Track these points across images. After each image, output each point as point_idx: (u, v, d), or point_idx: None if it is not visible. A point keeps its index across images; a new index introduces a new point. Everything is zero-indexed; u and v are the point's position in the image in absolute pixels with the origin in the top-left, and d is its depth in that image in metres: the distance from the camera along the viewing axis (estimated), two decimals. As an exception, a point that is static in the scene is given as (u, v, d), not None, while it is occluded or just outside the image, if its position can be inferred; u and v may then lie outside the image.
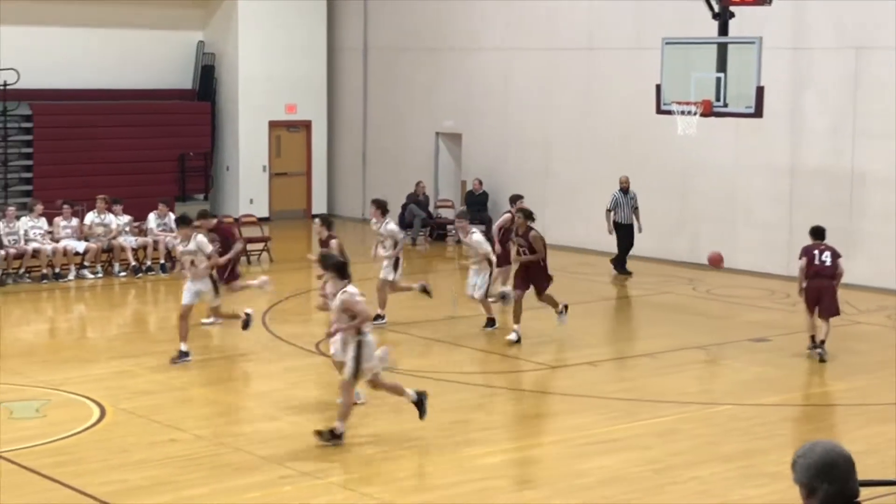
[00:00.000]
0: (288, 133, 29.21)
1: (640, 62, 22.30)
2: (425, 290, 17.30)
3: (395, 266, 16.98)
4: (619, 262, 22.05)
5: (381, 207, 17.15)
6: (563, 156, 24.93)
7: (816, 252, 15.61)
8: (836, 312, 15.63)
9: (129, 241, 21.49)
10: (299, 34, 28.70)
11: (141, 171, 26.63)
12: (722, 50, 16.08)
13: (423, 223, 25.96)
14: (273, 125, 28.79)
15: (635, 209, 21.99)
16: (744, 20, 16.58)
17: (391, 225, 17.11)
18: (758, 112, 15.84)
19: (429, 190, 26.89)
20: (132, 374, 14.25)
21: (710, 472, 10.99)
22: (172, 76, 28.35)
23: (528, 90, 25.49)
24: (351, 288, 11.56)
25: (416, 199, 26.25)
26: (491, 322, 16.96)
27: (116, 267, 21.41)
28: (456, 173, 27.57)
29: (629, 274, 21.85)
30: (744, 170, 22.20)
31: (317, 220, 16.76)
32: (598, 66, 24.25)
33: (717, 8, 16.29)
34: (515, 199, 19.66)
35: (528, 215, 16.60)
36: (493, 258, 16.92)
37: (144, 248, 21.57)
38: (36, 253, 20.49)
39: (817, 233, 15.89)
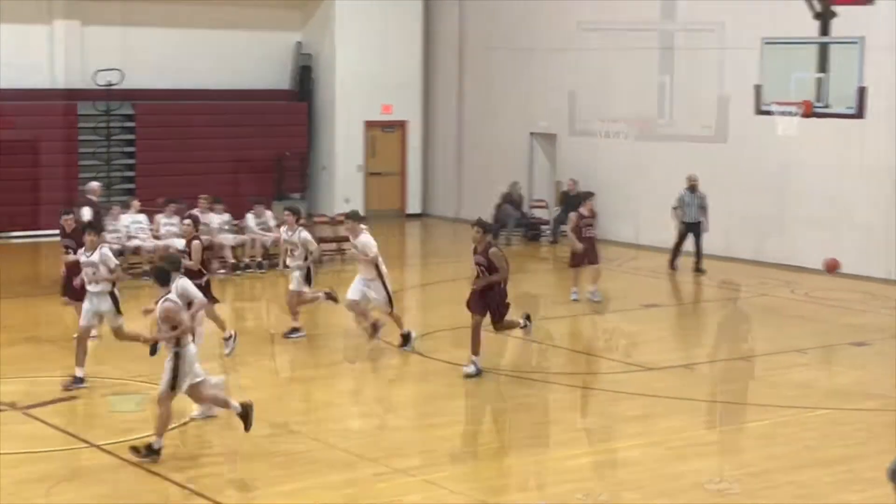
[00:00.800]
0: (383, 133, 29.38)
1: (737, 62, 22.04)
2: (331, 297, 16.32)
3: (307, 278, 16.10)
4: (674, 258, 21.82)
5: (297, 214, 16.38)
6: (658, 156, 24.71)
7: None
8: None
9: (227, 239, 21.82)
10: (396, 35, 28.85)
11: (239, 170, 26.99)
12: (823, 50, 15.86)
13: (517, 223, 25.94)
14: (369, 125, 28.99)
15: (703, 208, 21.72)
16: (846, 20, 16.31)
17: (304, 233, 16.19)
18: (860, 113, 15.60)
19: (523, 190, 26.87)
20: (230, 370, 14.44)
21: (807, 476, 10.84)
22: (271, 77, 28.69)
23: (624, 90, 25.32)
24: (173, 296, 11.18)
25: (511, 199, 26.25)
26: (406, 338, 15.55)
27: (215, 264, 21.73)
28: (550, 174, 27.51)
29: (683, 269, 21.67)
30: (845, 171, 21.79)
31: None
32: (695, 65, 24.00)
33: (818, 8, 16.06)
34: (585, 196, 19.41)
35: (488, 229, 14.71)
36: (382, 265, 15.65)
37: (242, 245, 21.88)
38: (137, 250, 20.90)
39: None
